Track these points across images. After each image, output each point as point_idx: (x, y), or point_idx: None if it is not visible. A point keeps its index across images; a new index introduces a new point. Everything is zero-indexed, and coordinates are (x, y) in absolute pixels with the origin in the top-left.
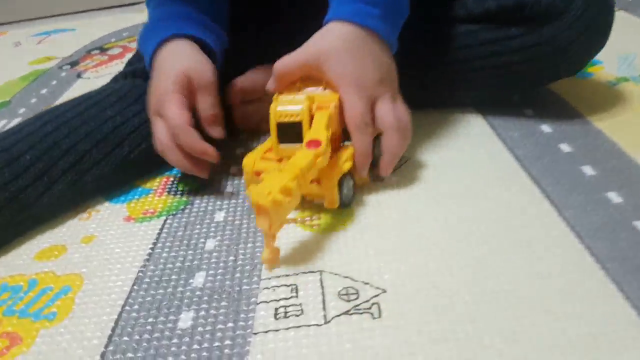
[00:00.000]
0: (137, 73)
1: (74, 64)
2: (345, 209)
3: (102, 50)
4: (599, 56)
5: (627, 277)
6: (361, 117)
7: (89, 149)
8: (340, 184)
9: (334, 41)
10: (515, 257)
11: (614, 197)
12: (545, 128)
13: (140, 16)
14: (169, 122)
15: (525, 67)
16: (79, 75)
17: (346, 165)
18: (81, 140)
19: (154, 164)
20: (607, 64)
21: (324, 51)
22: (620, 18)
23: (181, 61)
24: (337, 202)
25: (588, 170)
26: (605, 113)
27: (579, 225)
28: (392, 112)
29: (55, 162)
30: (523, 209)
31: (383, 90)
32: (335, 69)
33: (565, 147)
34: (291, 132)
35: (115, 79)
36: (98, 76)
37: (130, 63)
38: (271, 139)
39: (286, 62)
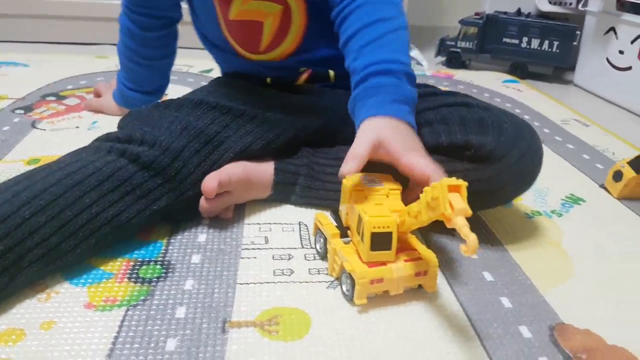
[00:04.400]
0: (127, 154)
1: (27, 109)
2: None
3: (58, 97)
4: None
5: None
6: (432, 165)
7: (60, 242)
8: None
9: (384, 124)
10: None
11: (525, 331)
12: None
13: (97, 62)
14: None
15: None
16: (33, 125)
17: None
18: (55, 233)
19: (116, 247)
20: (525, 195)
21: (381, 131)
22: None
23: None
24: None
25: (506, 302)
26: (520, 244)
27: (495, 356)
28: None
29: (25, 253)
30: (451, 337)
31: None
32: (395, 143)
33: (488, 276)
34: (383, 240)
35: (97, 148)
36: (54, 128)
37: (121, 140)
38: (361, 243)
39: (362, 146)
